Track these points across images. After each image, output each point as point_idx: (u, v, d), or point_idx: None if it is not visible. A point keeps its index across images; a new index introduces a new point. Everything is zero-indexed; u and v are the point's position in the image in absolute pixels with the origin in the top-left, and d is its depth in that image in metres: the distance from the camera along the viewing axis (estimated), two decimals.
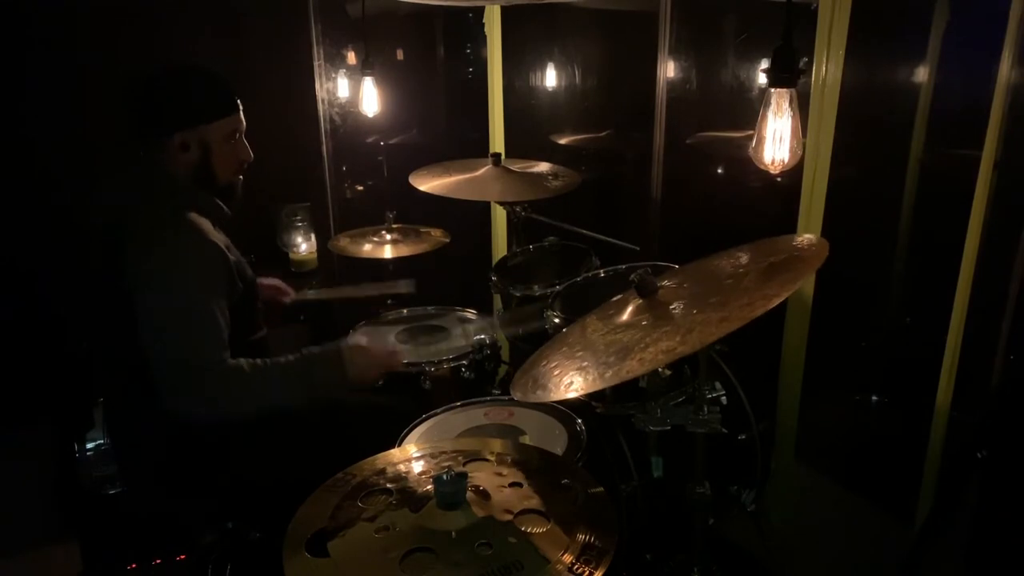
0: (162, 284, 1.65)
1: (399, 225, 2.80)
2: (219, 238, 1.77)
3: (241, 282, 1.81)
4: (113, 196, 1.79)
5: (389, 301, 2.79)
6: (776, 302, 1.22)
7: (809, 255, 1.40)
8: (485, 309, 2.63)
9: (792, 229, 2.15)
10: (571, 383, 1.33)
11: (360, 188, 3.55)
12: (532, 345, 1.75)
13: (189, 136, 1.74)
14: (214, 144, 1.77)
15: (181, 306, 1.65)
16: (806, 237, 1.54)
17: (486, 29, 3.09)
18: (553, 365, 1.45)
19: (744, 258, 1.52)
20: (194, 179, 1.78)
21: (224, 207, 1.83)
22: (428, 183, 2.50)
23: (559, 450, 1.69)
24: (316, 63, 3.20)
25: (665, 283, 1.54)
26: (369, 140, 3.52)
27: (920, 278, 2.48)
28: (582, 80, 3.61)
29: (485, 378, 2.25)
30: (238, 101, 1.81)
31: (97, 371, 1.92)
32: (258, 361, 1.72)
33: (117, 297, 1.69)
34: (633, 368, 1.26)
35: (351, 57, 3.30)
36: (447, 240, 2.76)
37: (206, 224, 1.75)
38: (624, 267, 2.25)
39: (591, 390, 1.31)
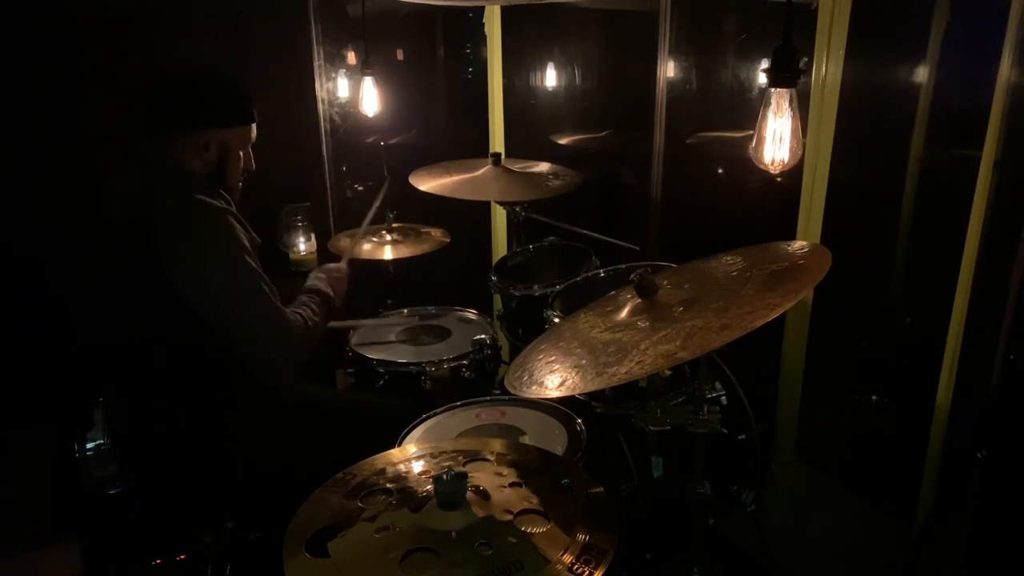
0: (216, 263, 1.70)
1: (399, 225, 2.80)
2: None
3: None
4: (132, 189, 1.81)
5: (389, 301, 2.79)
6: (778, 312, 1.22)
7: (812, 265, 1.40)
8: (485, 309, 2.63)
9: (792, 229, 2.15)
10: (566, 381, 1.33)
11: (360, 188, 3.55)
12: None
13: (213, 136, 1.80)
14: (232, 148, 1.84)
15: (242, 278, 1.72)
16: (801, 243, 1.54)
17: (486, 29, 3.09)
18: (551, 359, 1.45)
19: (741, 263, 1.52)
20: (207, 177, 1.82)
21: (231, 203, 1.86)
22: (428, 183, 2.51)
23: (559, 450, 1.69)
24: (316, 63, 3.20)
25: (664, 283, 1.55)
26: (369, 140, 3.52)
27: (920, 278, 2.48)
28: (582, 80, 3.61)
29: (485, 378, 2.25)
30: (255, 112, 1.88)
31: (100, 370, 1.92)
32: (298, 310, 1.87)
33: (145, 287, 1.70)
34: (632, 370, 1.26)
35: (351, 57, 3.30)
36: (447, 240, 2.75)
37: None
38: (624, 267, 2.25)
39: (588, 390, 1.31)
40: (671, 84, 2.83)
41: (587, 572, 1.08)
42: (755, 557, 2.07)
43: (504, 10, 3.04)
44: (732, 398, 1.87)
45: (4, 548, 2.27)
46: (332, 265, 2.14)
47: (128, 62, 2.68)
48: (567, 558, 1.11)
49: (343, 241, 2.74)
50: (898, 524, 2.13)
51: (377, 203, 2.49)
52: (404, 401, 2.06)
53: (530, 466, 1.37)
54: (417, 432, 1.83)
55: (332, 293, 2.01)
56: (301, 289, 2.00)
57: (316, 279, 2.04)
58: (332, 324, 2.08)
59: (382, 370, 2.19)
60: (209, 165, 1.82)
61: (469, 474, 1.26)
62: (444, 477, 1.20)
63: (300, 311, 1.87)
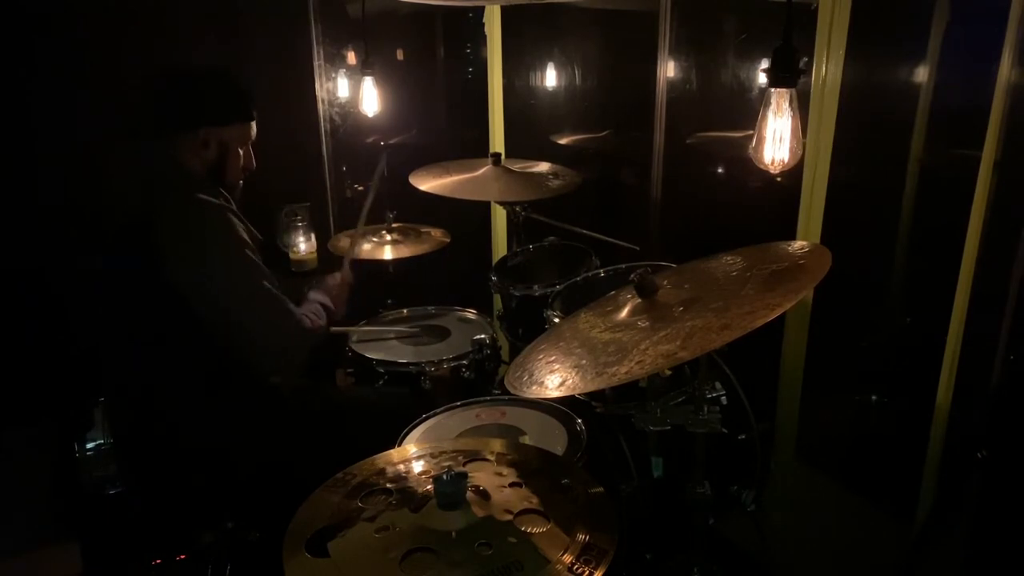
0: (217, 262, 1.71)
1: (399, 225, 2.80)
2: None
3: None
4: (131, 189, 1.81)
5: (389, 301, 2.79)
6: (778, 312, 1.22)
7: (812, 265, 1.40)
8: (485, 309, 2.63)
9: (792, 229, 2.15)
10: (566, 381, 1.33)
11: (360, 188, 3.55)
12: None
13: (212, 134, 1.80)
14: (231, 146, 1.84)
15: (244, 276, 1.72)
16: (800, 244, 1.54)
17: (486, 29, 3.09)
18: (551, 359, 1.45)
19: (741, 263, 1.52)
20: (206, 175, 1.82)
21: (231, 200, 1.87)
22: (428, 183, 2.51)
23: (559, 450, 1.69)
24: (316, 63, 3.20)
25: (664, 283, 1.55)
26: (369, 140, 3.53)
27: (920, 278, 2.48)
28: (582, 80, 3.61)
29: (485, 378, 2.25)
30: (254, 110, 1.88)
31: (100, 370, 1.92)
32: (304, 310, 1.89)
33: (145, 287, 1.71)
34: (632, 370, 1.26)
35: (351, 57, 3.30)
36: (447, 240, 2.75)
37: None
38: (624, 267, 2.25)
39: (588, 390, 1.31)
40: (671, 84, 2.83)
41: (587, 572, 1.08)
42: (755, 557, 2.07)
43: (504, 10, 3.04)
44: (732, 398, 1.87)
45: (4, 548, 2.27)
46: (331, 281, 2.13)
47: (128, 62, 2.68)
48: (567, 558, 1.11)
49: (343, 241, 2.74)
50: (898, 524, 2.13)
51: (371, 197, 2.41)
52: (404, 401, 2.06)
53: (530, 466, 1.37)
54: (417, 432, 1.83)
55: (333, 306, 2.02)
56: (301, 298, 2.00)
57: (316, 292, 2.05)
58: (334, 329, 2.07)
59: (382, 370, 2.19)
60: (208, 163, 1.82)
61: (469, 474, 1.26)
62: (444, 477, 1.20)
63: (304, 312, 1.89)
